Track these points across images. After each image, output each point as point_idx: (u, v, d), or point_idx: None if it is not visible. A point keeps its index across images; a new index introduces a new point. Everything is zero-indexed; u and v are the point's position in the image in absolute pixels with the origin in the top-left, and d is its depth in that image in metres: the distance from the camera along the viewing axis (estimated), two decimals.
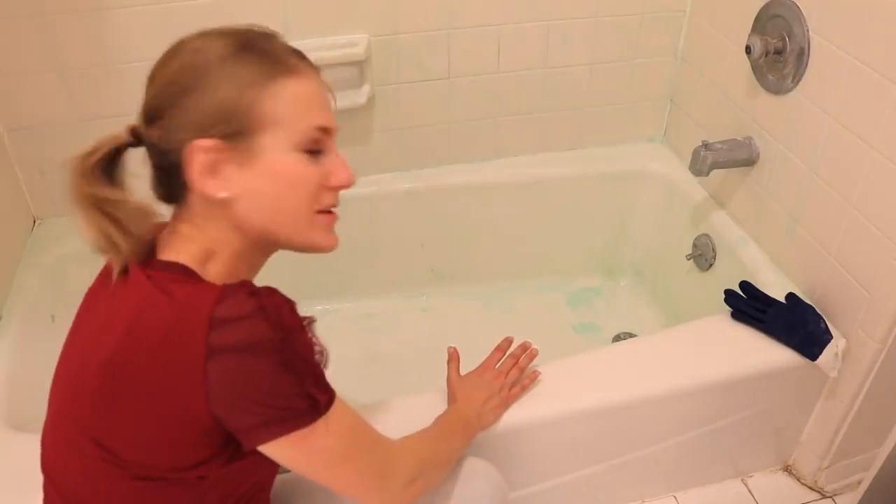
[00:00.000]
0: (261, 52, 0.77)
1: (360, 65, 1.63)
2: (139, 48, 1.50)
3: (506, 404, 1.21)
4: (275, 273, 1.62)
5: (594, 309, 1.99)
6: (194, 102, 0.74)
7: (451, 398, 1.18)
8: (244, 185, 0.77)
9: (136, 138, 0.78)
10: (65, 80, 1.51)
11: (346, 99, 1.64)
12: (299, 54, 0.81)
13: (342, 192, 0.84)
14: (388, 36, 1.63)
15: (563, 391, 1.28)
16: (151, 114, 0.77)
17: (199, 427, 0.71)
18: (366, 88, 1.66)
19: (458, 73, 1.72)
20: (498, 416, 1.19)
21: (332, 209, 0.84)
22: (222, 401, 0.69)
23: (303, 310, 0.76)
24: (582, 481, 1.38)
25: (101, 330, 0.76)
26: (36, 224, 1.65)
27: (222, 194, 0.76)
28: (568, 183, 1.89)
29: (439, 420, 1.07)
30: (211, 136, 0.74)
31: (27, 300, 1.45)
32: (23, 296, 1.46)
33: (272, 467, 0.85)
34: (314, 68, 0.81)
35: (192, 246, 0.78)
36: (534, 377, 1.25)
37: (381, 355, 1.84)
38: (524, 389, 1.24)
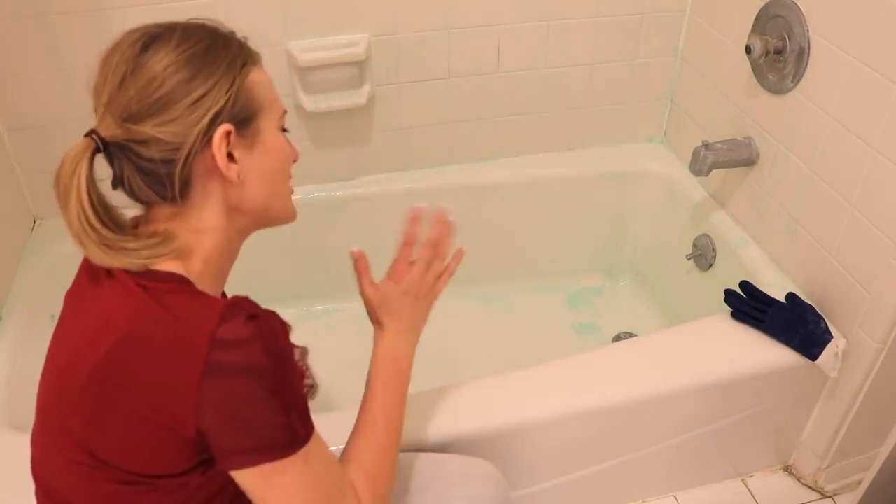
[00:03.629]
0: (232, 42, 0.81)
1: (360, 65, 1.63)
2: None
3: (435, 298, 1.05)
4: (276, 273, 1.61)
5: (594, 309, 1.98)
6: (199, 94, 0.75)
7: (374, 319, 1.02)
8: (251, 166, 0.81)
9: (104, 143, 0.75)
10: (65, 80, 1.51)
11: (346, 99, 1.64)
12: None
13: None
14: (388, 36, 1.63)
15: (563, 391, 1.28)
16: (137, 112, 0.75)
17: (184, 439, 0.72)
18: (366, 88, 1.66)
19: (457, 73, 1.72)
20: (428, 315, 1.05)
21: None
22: (210, 417, 0.71)
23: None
24: (582, 481, 1.38)
25: (92, 336, 0.76)
26: (36, 224, 1.65)
27: (236, 178, 0.80)
28: (568, 183, 1.89)
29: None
30: (226, 123, 0.77)
31: (27, 300, 1.45)
32: (23, 296, 1.46)
33: None
34: None
35: (182, 246, 0.79)
36: (459, 256, 1.07)
37: None
38: (451, 274, 1.06)
